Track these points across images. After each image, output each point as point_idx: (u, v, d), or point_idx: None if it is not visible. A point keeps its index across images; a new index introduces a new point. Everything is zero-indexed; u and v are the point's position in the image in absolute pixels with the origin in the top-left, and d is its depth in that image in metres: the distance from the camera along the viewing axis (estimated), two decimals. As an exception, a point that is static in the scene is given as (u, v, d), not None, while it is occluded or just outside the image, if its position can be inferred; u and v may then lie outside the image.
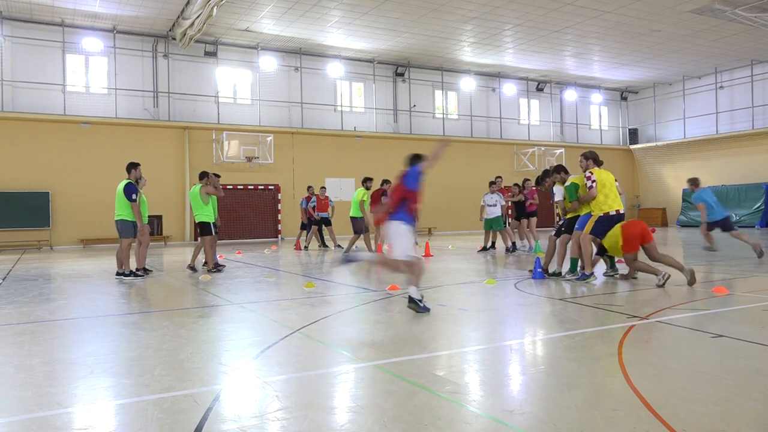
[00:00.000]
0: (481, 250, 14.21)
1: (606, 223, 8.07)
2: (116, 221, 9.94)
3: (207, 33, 21.23)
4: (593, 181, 8.06)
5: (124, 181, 9.91)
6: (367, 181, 14.70)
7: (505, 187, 15.47)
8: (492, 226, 14.03)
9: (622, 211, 8.17)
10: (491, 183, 14.57)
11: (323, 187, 17.38)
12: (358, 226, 14.40)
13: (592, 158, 8.38)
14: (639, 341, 4.58)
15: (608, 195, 8.07)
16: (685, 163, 30.19)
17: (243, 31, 21.54)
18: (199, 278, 9.67)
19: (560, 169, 9.00)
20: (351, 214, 14.75)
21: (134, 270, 10.11)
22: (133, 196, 9.74)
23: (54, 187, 19.86)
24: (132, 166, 10.09)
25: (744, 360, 4.03)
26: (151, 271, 10.71)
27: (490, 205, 14.10)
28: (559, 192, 8.83)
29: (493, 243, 14.42)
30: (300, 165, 23.78)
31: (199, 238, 11.18)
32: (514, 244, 14.04)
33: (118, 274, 9.96)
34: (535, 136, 30.17)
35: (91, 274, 10.87)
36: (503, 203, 14.23)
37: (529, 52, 24.89)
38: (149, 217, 14.17)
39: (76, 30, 20.35)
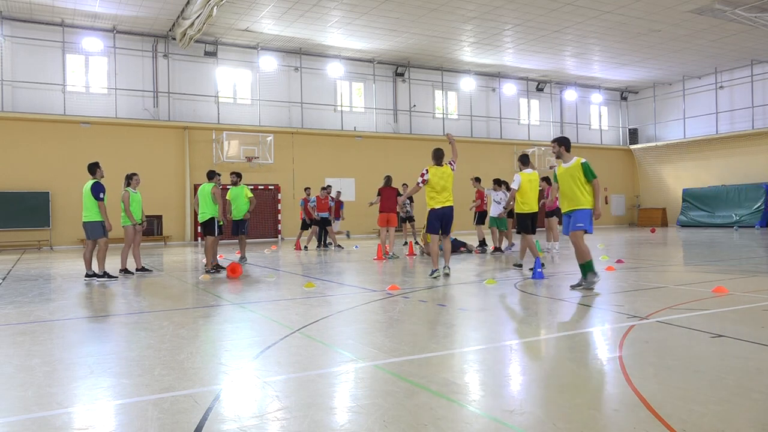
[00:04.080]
0: (494, 251, 13.82)
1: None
2: (84, 223, 9.69)
3: (207, 33, 21.23)
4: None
5: (90, 181, 9.68)
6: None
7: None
8: (497, 224, 13.83)
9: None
10: (500, 182, 14.06)
11: (323, 187, 17.08)
12: (242, 227, 12.83)
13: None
14: (639, 341, 4.58)
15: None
16: (685, 163, 30.19)
17: (243, 31, 21.53)
18: (199, 278, 9.69)
19: (521, 158, 9.49)
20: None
21: (106, 272, 9.79)
22: (101, 195, 9.55)
23: (54, 187, 19.85)
24: (95, 166, 9.85)
25: (744, 360, 4.03)
26: (150, 270, 10.71)
27: (496, 201, 13.76)
28: (516, 181, 9.47)
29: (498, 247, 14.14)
30: (300, 165, 23.77)
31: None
32: (513, 243, 14.02)
33: (87, 275, 9.64)
34: (535, 136, 30.17)
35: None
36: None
37: (529, 52, 24.88)
38: (147, 216, 14.06)
39: (76, 30, 20.34)
